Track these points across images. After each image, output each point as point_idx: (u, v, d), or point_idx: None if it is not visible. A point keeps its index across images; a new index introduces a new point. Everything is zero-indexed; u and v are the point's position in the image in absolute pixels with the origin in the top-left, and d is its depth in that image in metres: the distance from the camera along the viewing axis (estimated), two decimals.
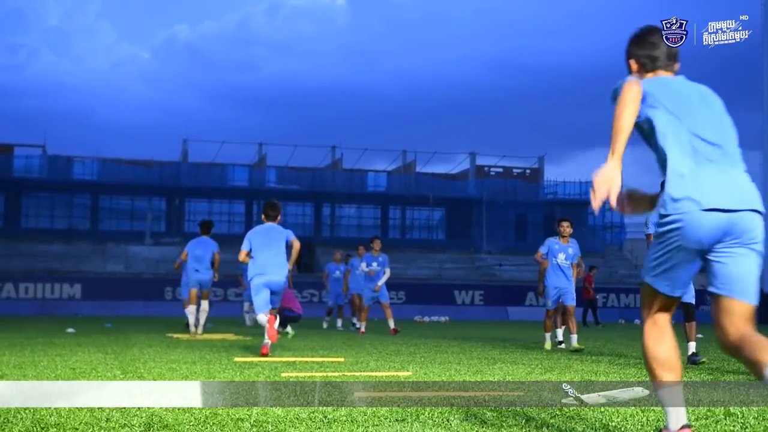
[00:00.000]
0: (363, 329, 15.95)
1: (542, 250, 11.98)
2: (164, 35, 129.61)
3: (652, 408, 4.69)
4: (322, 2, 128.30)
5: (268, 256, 9.30)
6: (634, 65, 3.53)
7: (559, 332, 12.19)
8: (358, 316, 16.92)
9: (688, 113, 3.26)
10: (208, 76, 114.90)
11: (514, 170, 53.74)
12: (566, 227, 11.73)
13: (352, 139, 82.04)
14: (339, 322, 19.09)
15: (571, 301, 11.67)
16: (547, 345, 11.69)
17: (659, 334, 3.34)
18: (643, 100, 3.25)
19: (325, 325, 19.00)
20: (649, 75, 3.46)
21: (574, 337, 11.49)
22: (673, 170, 3.18)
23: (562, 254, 11.62)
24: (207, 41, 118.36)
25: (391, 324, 15.62)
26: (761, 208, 3.18)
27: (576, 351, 10.90)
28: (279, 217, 9.67)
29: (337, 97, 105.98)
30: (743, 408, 4.72)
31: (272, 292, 9.34)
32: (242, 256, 9.33)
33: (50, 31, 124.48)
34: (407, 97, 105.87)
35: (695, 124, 3.24)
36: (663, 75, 3.47)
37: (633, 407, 4.72)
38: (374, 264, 15.65)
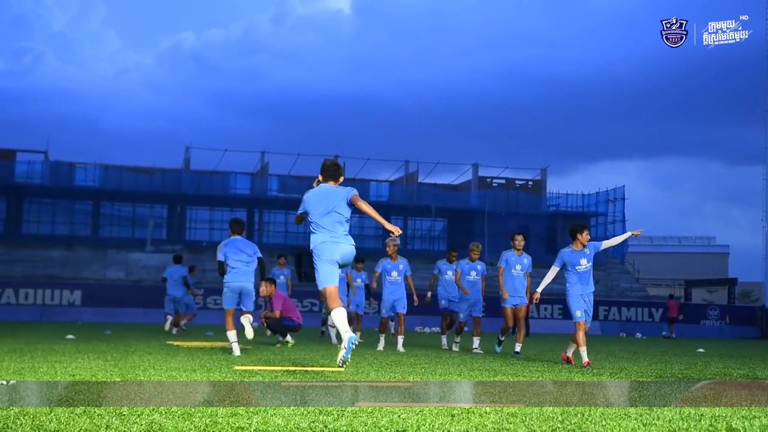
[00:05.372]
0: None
1: None
2: (169, 43, 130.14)
3: (654, 422, 4.67)
4: (328, 12, 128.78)
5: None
6: None
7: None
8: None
9: None
10: (213, 84, 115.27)
11: (517, 182, 53.77)
12: None
13: (355, 149, 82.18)
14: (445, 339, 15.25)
15: None
16: None
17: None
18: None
19: (446, 344, 15.19)
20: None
21: None
22: None
23: None
24: (212, 49, 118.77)
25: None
26: None
27: None
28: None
29: (341, 107, 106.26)
30: (745, 422, 4.69)
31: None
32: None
33: (55, 38, 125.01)
34: (411, 107, 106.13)
35: None
36: None
37: (635, 420, 4.70)
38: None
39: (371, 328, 22.16)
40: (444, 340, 15.21)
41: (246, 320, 11.10)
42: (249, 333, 11.16)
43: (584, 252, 10.93)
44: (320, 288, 7.74)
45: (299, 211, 8.01)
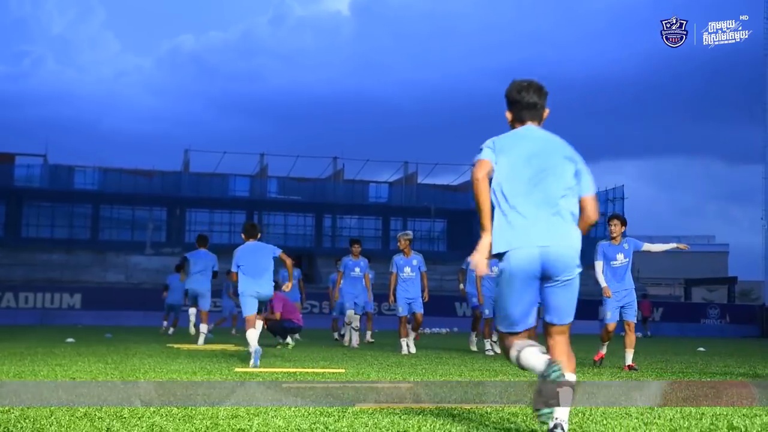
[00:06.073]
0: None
1: None
2: (169, 45, 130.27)
3: (655, 421, 4.67)
4: (327, 13, 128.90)
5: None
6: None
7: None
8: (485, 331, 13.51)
9: None
10: (212, 87, 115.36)
11: None
12: None
13: (354, 150, 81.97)
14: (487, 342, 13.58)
15: None
16: None
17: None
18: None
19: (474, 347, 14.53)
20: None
21: None
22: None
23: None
24: (211, 51, 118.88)
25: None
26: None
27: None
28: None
29: (340, 108, 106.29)
30: (746, 420, 4.69)
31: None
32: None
33: (54, 41, 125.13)
34: (410, 108, 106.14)
35: None
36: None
37: (636, 420, 4.70)
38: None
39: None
40: (473, 338, 14.46)
41: (204, 328, 13.79)
42: (200, 341, 13.62)
43: (622, 247, 10.59)
44: (244, 315, 9.74)
45: (233, 268, 9.80)
